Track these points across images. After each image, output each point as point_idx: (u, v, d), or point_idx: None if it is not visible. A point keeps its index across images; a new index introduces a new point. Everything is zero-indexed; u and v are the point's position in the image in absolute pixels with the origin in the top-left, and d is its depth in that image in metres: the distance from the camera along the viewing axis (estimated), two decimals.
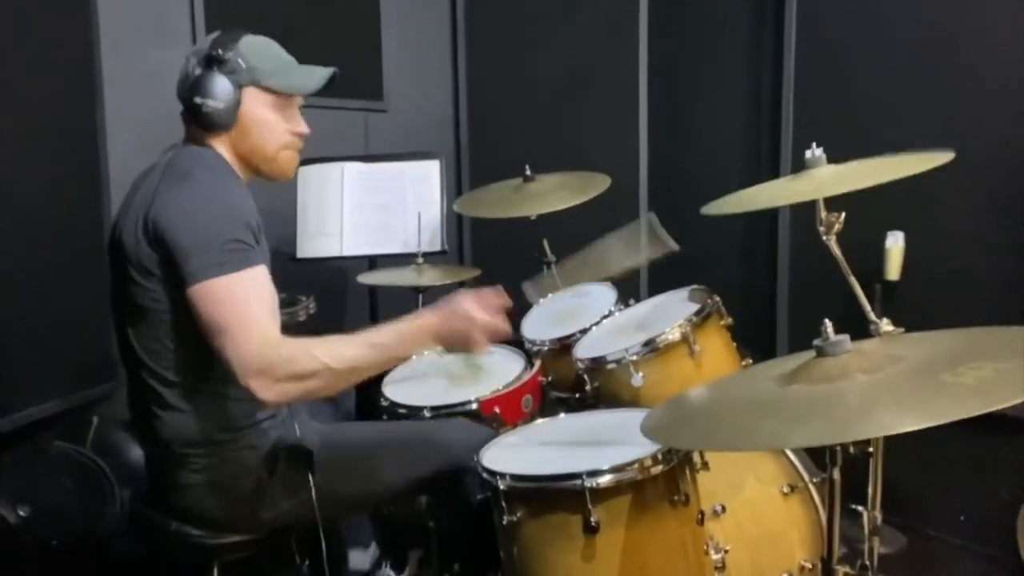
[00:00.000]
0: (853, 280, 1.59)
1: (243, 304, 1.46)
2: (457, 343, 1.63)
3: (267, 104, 1.65)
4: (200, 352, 1.52)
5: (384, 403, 2.04)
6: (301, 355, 1.46)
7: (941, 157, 1.49)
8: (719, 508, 1.62)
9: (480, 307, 1.62)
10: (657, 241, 1.93)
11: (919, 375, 1.09)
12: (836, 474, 1.31)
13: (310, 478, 1.63)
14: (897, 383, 1.09)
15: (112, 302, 1.65)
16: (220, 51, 1.59)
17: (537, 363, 2.13)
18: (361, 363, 1.53)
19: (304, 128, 1.71)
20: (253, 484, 1.60)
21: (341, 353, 1.50)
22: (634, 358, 1.84)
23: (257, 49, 1.64)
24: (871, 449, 1.51)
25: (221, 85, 1.58)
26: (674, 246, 1.94)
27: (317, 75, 1.71)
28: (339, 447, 1.70)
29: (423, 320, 1.61)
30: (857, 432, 1.09)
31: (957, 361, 1.08)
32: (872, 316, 1.55)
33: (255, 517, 1.62)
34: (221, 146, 1.64)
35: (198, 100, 1.57)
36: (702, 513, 1.50)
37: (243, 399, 1.59)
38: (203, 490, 1.60)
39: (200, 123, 1.60)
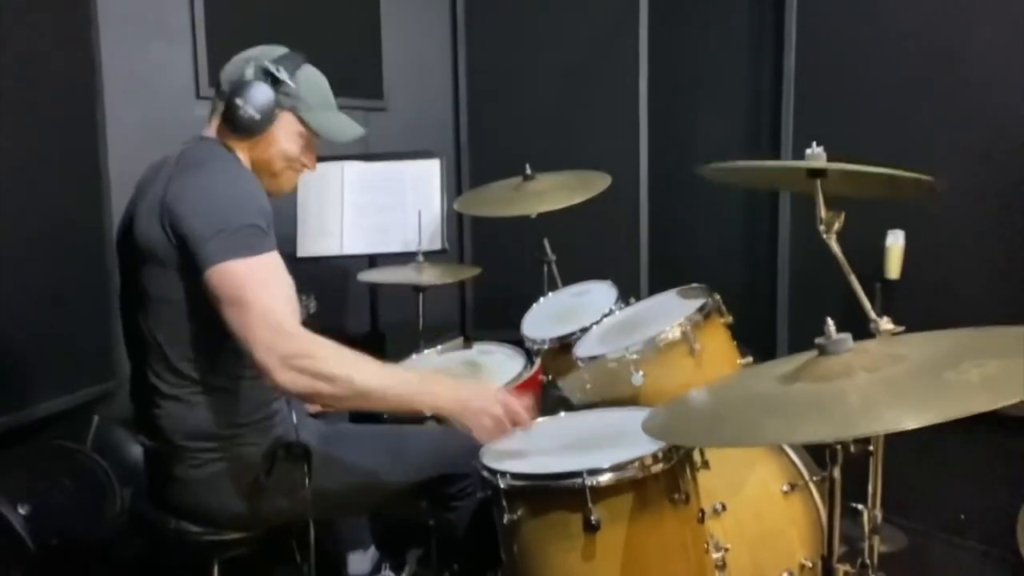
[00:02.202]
0: (853, 279, 1.59)
1: (266, 284, 1.47)
2: (468, 420, 1.55)
3: (295, 133, 1.68)
4: (211, 344, 1.54)
5: None
6: (325, 355, 1.46)
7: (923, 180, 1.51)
8: (719, 507, 1.62)
9: (510, 407, 1.57)
10: None
11: (923, 373, 1.09)
12: (836, 473, 1.31)
13: (307, 478, 1.63)
14: (901, 380, 1.09)
15: (121, 294, 1.65)
16: (280, 69, 1.62)
17: (537, 362, 2.13)
18: (383, 392, 1.51)
19: (313, 166, 1.76)
20: (251, 481, 1.60)
21: (369, 374, 1.50)
22: (634, 357, 1.84)
23: (311, 82, 1.69)
24: (871, 448, 1.51)
25: (265, 99, 1.61)
26: None
27: (349, 130, 1.75)
28: (338, 448, 1.70)
29: (452, 383, 1.63)
30: (864, 428, 1.09)
31: (960, 359, 1.08)
32: (872, 315, 1.55)
33: (253, 514, 1.62)
34: (238, 149, 1.66)
35: (239, 101, 1.60)
36: (702, 512, 1.50)
37: (249, 395, 1.60)
38: (202, 486, 1.60)
39: (229, 122, 1.62)
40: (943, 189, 1.53)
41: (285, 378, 1.42)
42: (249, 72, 1.62)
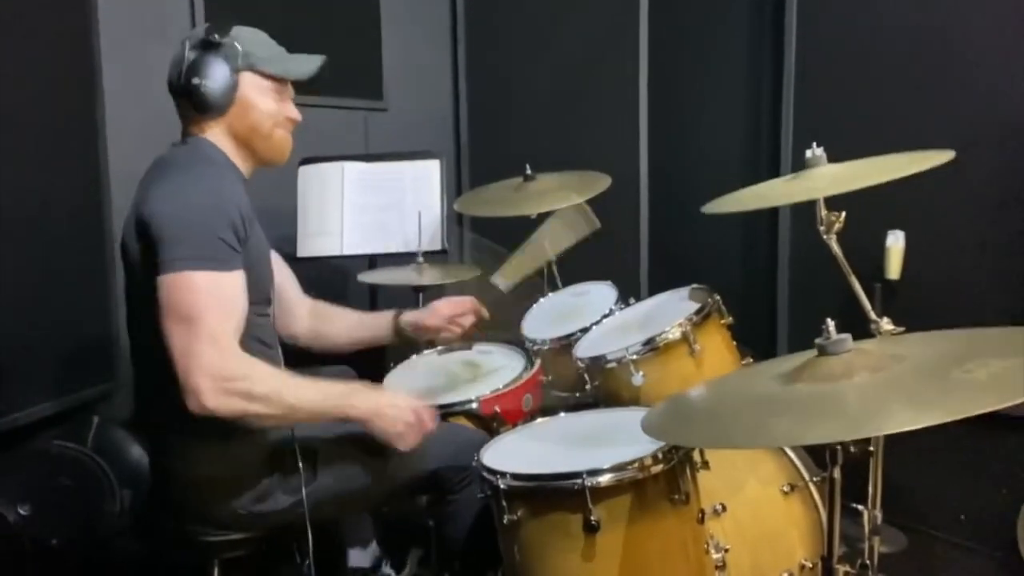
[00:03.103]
0: (853, 279, 1.59)
1: (222, 302, 1.45)
2: (383, 426, 1.61)
3: (263, 89, 1.66)
4: None
5: None
6: (260, 375, 1.47)
7: (941, 156, 1.49)
8: (719, 507, 1.62)
9: (420, 415, 1.65)
10: (586, 219, 2.26)
11: (928, 372, 1.09)
12: (836, 473, 1.31)
13: (312, 476, 1.64)
14: (907, 380, 1.09)
15: (126, 295, 1.67)
16: (216, 36, 1.60)
17: (537, 362, 2.13)
18: (307, 406, 1.53)
19: (296, 114, 1.73)
20: (256, 480, 1.61)
21: (296, 389, 1.51)
22: (634, 357, 1.84)
23: (250, 36, 1.67)
24: (871, 448, 1.51)
25: (218, 68, 1.59)
26: (597, 224, 2.33)
27: (311, 62, 1.73)
28: (341, 446, 1.70)
29: (370, 393, 1.64)
30: (874, 428, 1.09)
31: (964, 359, 1.08)
32: (872, 315, 1.55)
33: (256, 514, 1.62)
34: (219, 131, 1.64)
35: (196, 81, 1.57)
36: (702, 512, 1.50)
37: None
38: (206, 486, 1.60)
39: (197, 106, 1.60)
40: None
41: (217, 402, 1.40)
42: (189, 53, 1.60)
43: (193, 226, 1.46)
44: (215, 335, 1.41)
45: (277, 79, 1.68)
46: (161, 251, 1.44)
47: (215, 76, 1.59)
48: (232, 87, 1.61)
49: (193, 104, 1.60)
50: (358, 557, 2.15)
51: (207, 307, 1.42)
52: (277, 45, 1.71)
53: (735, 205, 1.64)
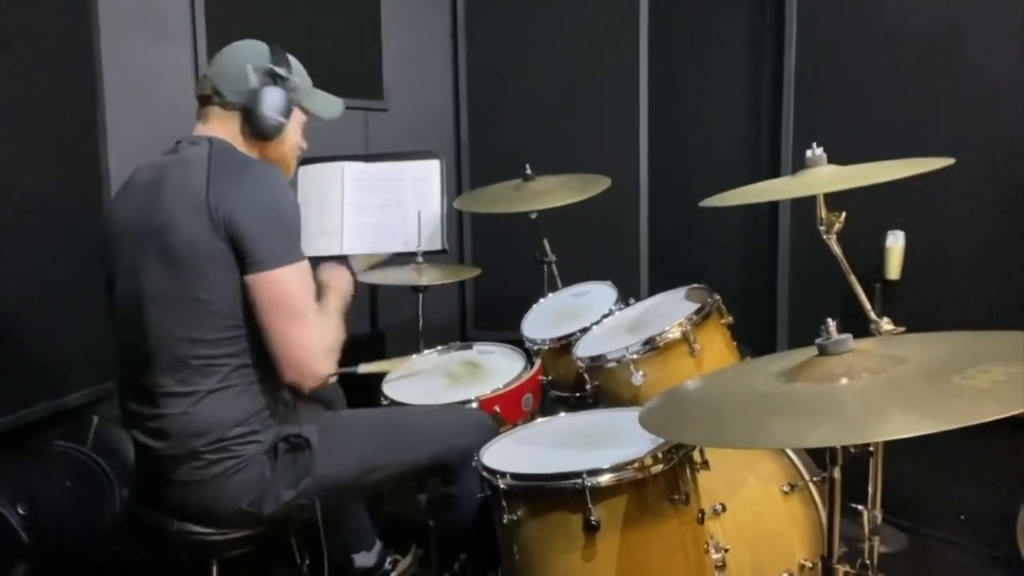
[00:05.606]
0: (853, 279, 1.59)
1: (311, 285, 1.62)
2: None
3: (298, 121, 1.77)
4: (233, 339, 1.57)
5: (384, 403, 2.04)
6: (336, 328, 1.69)
7: (941, 162, 1.50)
8: (719, 507, 1.62)
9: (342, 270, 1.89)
10: None
11: (927, 377, 1.09)
12: (836, 473, 1.31)
13: (311, 468, 1.63)
14: (906, 384, 1.08)
15: (118, 296, 1.64)
16: (283, 70, 1.68)
17: (537, 362, 2.13)
18: (338, 328, 1.73)
19: (305, 145, 1.83)
20: (256, 477, 1.60)
21: (336, 324, 1.72)
22: (634, 356, 1.84)
23: (299, 70, 1.75)
24: (871, 448, 1.51)
25: (284, 102, 1.68)
26: None
27: (336, 105, 1.84)
28: (338, 434, 1.71)
29: (334, 293, 1.80)
30: (874, 433, 1.08)
31: (964, 363, 1.08)
32: (872, 315, 1.55)
33: (259, 510, 1.61)
34: (253, 151, 1.70)
35: (263, 111, 1.65)
36: (702, 512, 1.50)
37: (258, 390, 1.61)
38: (209, 488, 1.59)
39: (254, 130, 1.67)
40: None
41: (330, 369, 1.61)
42: (254, 79, 1.65)
43: (282, 224, 1.58)
44: (315, 319, 1.60)
45: (309, 114, 1.78)
46: (253, 251, 1.53)
47: (281, 110, 1.67)
48: (287, 123, 1.70)
49: (250, 128, 1.67)
50: (363, 558, 2.15)
51: (306, 296, 1.60)
52: (308, 76, 1.78)
53: (732, 199, 1.65)
